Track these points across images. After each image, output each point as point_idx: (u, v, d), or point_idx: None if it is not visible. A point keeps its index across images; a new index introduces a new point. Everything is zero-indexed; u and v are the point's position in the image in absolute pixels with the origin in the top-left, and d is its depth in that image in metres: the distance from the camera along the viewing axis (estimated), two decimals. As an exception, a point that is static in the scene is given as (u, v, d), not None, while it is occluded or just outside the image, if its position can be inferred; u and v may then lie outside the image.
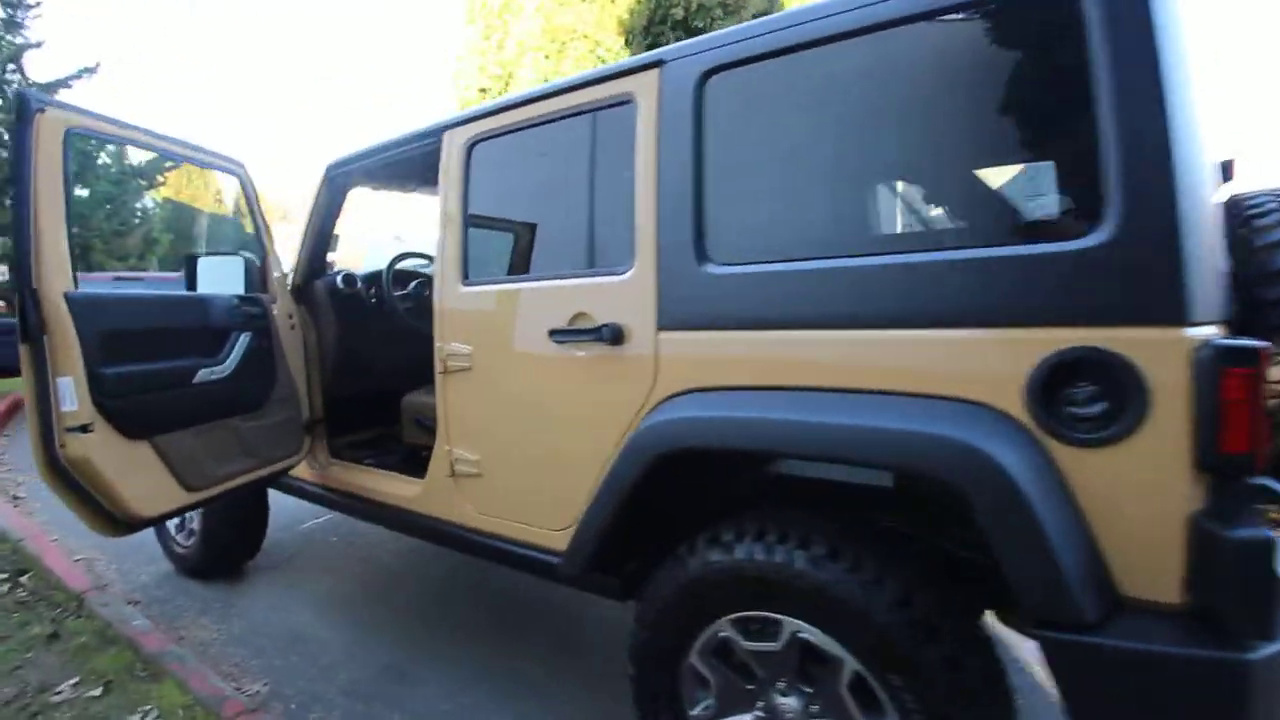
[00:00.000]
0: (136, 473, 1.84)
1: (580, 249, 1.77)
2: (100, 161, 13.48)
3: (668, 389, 1.49)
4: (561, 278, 1.72)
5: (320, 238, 2.62)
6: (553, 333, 1.69)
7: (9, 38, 11.21)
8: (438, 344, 1.98)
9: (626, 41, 9.55)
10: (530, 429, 1.78)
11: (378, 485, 2.34)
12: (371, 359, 2.87)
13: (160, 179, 15.04)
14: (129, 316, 1.84)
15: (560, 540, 1.75)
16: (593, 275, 1.66)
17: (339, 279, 2.75)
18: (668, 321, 1.51)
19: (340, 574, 3.05)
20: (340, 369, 2.71)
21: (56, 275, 1.66)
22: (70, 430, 1.67)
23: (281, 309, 2.44)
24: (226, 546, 2.87)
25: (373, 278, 2.87)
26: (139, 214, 14.88)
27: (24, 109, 1.64)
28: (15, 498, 4.04)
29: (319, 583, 2.96)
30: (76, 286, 1.71)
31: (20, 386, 1.75)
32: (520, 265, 2.04)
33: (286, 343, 2.43)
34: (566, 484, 1.71)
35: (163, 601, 2.75)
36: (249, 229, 2.39)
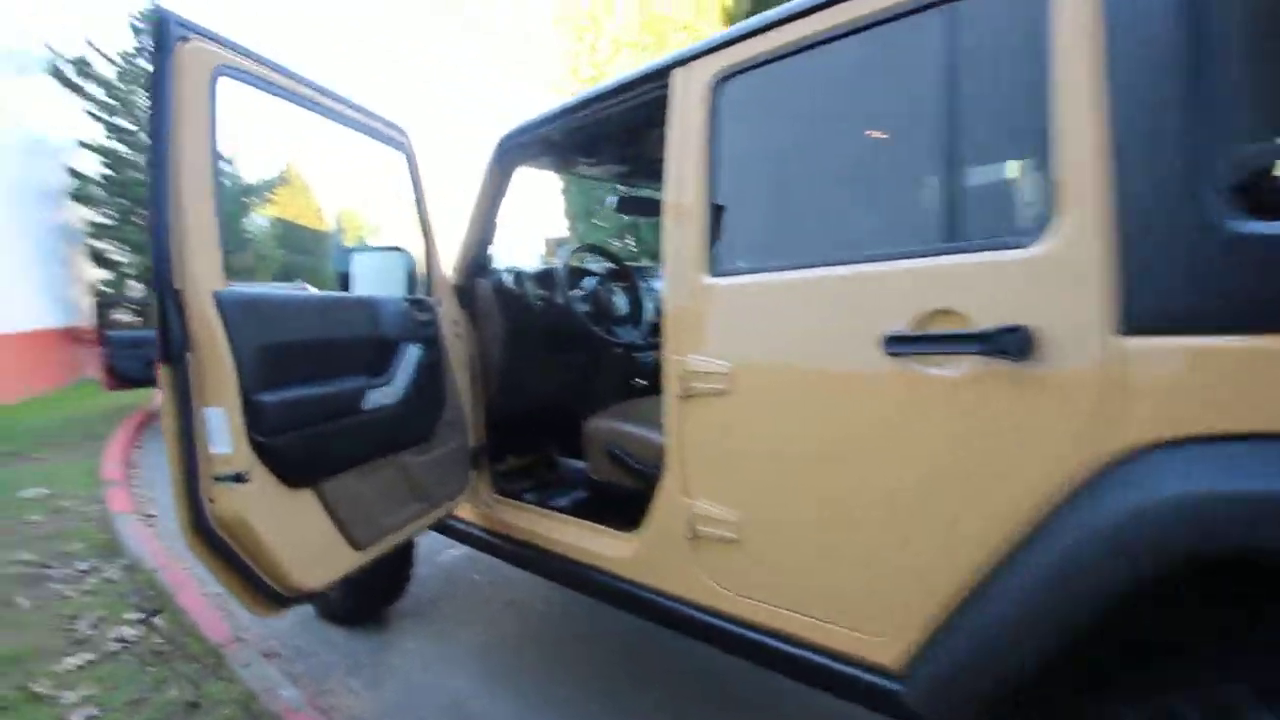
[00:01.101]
0: (300, 531, 1.41)
1: (929, 213, 1.19)
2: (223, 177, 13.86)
3: (1154, 432, 0.89)
4: (899, 257, 1.14)
5: (486, 226, 2.18)
6: (890, 341, 1.12)
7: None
8: (672, 358, 1.45)
9: (730, 30, 9.01)
10: (836, 482, 1.22)
11: (566, 537, 1.85)
12: (536, 372, 2.41)
13: (269, 195, 15.61)
14: (293, 324, 1.42)
15: (881, 651, 1.17)
16: (963, 251, 1.08)
17: (509, 277, 2.30)
18: (1143, 319, 0.91)
19: (492, 626, 2.60)
20: (504, 385, 2.25)
21: (205, 270, 1.25)
22: (221, 480, 1.26)
23: (447, 314, 2.00)
24: (372, 590, 2.47)
25: (542, 276, 2.40)
26: (250, 232, 15.45)
27: (162, 35, 1.23)
28: (148, 515, 3.87)
29: (471, 636, 2.52)
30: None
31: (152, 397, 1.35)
32: (810, 244, 1.40)
33: (453, 355, 1.99)
34: (903, 570, 1.13)
35: (305, 655, 2.37)
36: (411, 214, 1.97)
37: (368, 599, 2.50)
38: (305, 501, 1.43)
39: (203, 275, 1.24)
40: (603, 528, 1.78)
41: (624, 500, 1.87)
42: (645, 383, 2.74)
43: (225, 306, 1.25)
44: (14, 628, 2.48)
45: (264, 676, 2.08)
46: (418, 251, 2.04)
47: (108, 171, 9.95)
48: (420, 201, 1.96)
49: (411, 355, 1.75)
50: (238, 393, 1.26)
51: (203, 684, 2.09)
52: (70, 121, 9.52)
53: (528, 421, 2.54)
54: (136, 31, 10.28)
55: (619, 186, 2.79)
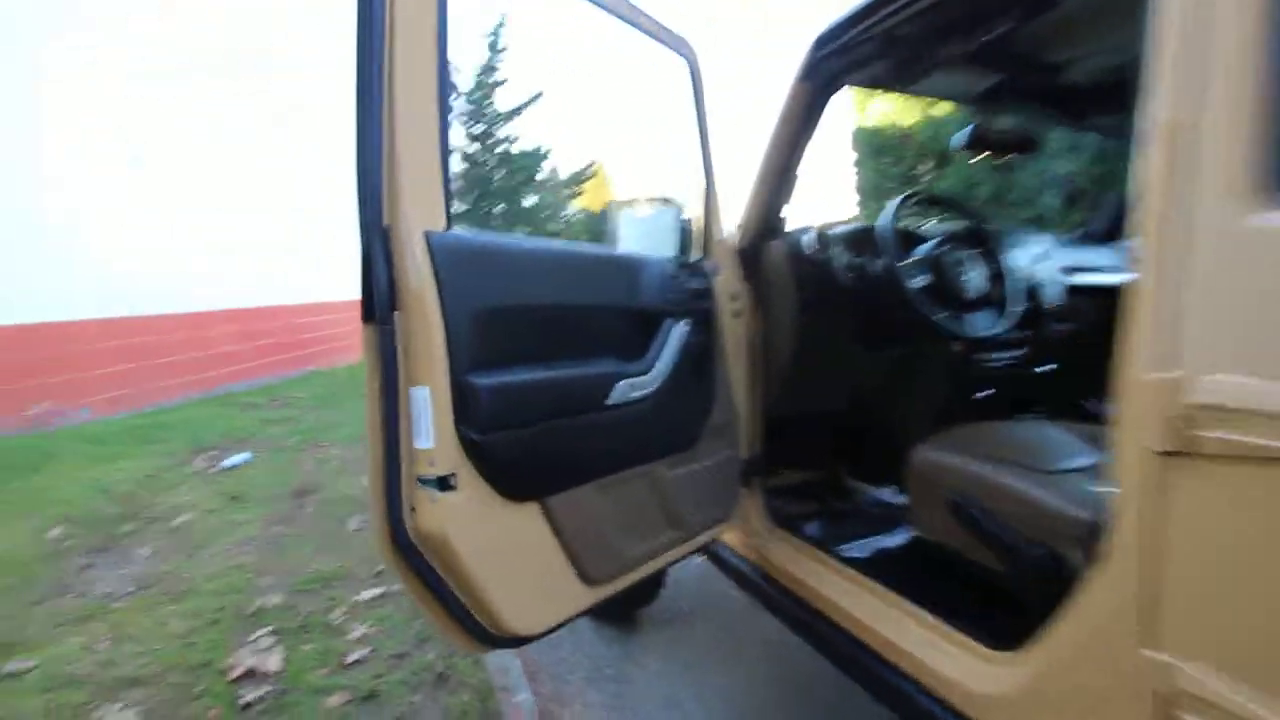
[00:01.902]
0: (517, 558, 1.10)
1: None
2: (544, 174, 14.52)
3: None
4: None
5: (784, 173, 1.65)
6: None
7: None
8: (1145, 376, 0.75)
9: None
10: None
11: (871, 617, 1.26)
12: (836, 367, 1.82)
13: (579, 188, 16.36)
14: (525, 284, 1.10)
15: None
16: None
17: (810, 239, 1.74)
18: None
19: (749, 666, 2.13)
20: (790, 381, 1.72)
21: (421, 207, 0.97)
22: (425, 484, 0.99)
23: (724, 286, 1.53)
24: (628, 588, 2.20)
25: (857, 238, 1.78)
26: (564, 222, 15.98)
27: None
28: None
29: (722, 672, 2.09)
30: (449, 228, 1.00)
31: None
32: None
33: (728, 339, 1.52)
34: None
35: (552, 645, 2.21)
36: (693, 137, 1.51)
37: (624, 596, 2.24)
38: (527, 520, 1.11)
39: (417, 213, 0.95)
40: (935, 621, 1.16)
41: (969, 578, 1.21)
42: (989, 396, 1.94)
43: (437, 251, 0.95)
44: (338, 550, 2.81)
45: (505, 669, 1.93)
46: (693, 209, 1.60)
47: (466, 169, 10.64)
48: (703, 132, 1.51)
49: (676, 335, 1.33)
50: (446, 370, 0.96)
51: (455, 656, 2.03)
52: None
53: (813, 429, 1.97)
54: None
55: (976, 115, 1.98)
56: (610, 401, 1.19)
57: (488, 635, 1.10)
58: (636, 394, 1.23)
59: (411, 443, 0.98)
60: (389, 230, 0.93)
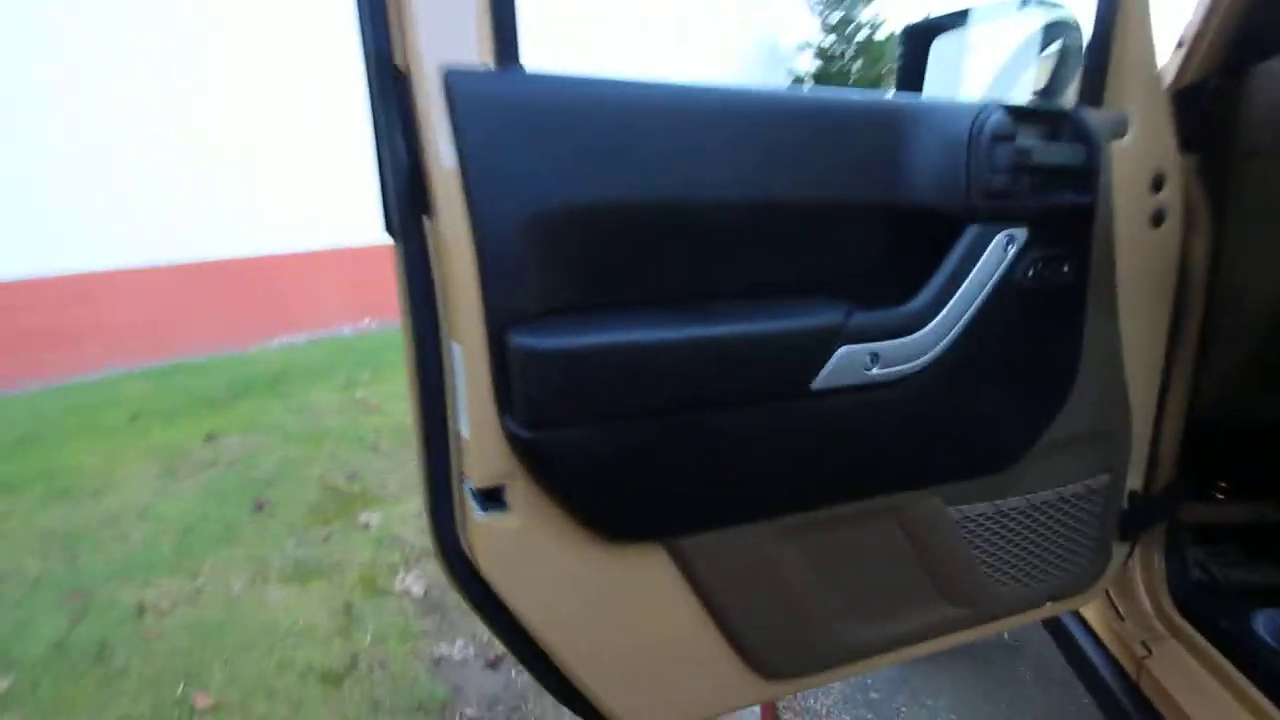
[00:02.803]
0: (626, 633, 0.66)
1: None
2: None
3: None
4: None
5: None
6: None
7: None
8: None
9: None
10: None
11: None
12: None
13: None
14: (639, 158, 0.57)
15: None
16: None
17: None
18: None
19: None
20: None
21: (448, 32, 0.52)
22: (476, 492, 0.60)
23: (1132, 161, 0.76)
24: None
25: None
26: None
27: None
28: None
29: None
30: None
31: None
32: None
33: (1132, 268, 0.76)
34: None
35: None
36: None
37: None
38: (644, 573, 0.65)
39: (438, 41, 0.51)
40: None
41: None
42: None
43: (463, 102, 0.50)
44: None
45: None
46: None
47: (820, 66, 9.21)
48: None
49: (991, 262, 0.65)
50: (480, 319, 0.53)
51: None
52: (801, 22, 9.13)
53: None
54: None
55: None
56: (821, 384, 0.62)
57: None
58: (883, 371, 0.63)
59: (457, 428, 0.60)
60: (406, 73, 0.52)
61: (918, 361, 0.64)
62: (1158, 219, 0.77)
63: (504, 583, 0.59)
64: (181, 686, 1.55)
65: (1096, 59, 0.76)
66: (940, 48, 0.97)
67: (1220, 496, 1.20)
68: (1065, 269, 0.70)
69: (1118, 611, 0.94)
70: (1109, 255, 0.73)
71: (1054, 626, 1.09)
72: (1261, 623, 0.98)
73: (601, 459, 0.57)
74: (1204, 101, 0.87)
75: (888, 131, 0.64)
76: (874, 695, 1.64)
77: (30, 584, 1.97)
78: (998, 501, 0.75)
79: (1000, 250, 0.65)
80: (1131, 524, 0.86)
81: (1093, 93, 0.77)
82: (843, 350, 0.61)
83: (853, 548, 0.71)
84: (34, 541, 2.22)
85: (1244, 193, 0.85)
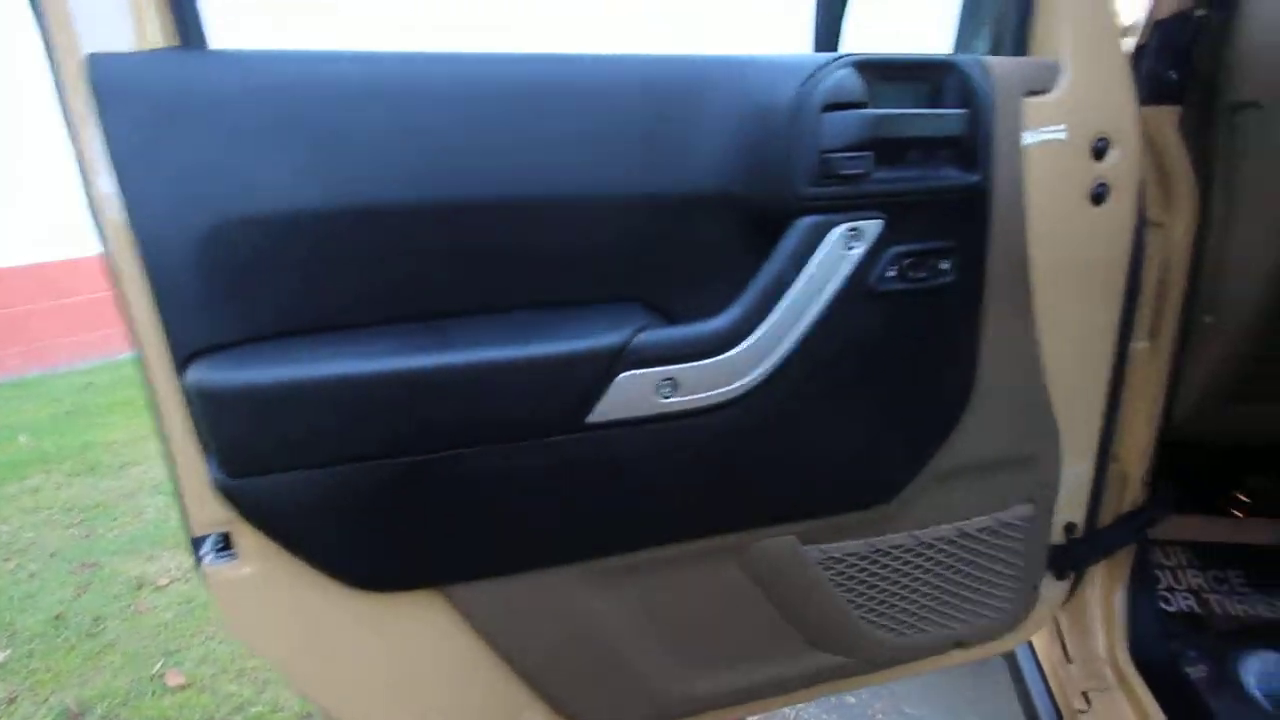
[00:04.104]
0: (404, 693, 0.58)
1: None
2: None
3: None
4: None
5: None
6: None
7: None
8: None
9: None
10: None
11: None
12: None
13: None
14: (353, 150, 0.46)
15: None
16: None
17: None
18: None
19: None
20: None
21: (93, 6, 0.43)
22: (196, 540, 0.53)
23: (1058, 123, 0.59)
24: None
25: None
26: None
27: None
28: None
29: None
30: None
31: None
32: None
33: (1057, 263, 0.61)
34: None
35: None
36: None
37: None
38: (424, 622, 0.56)
39: (87, 18, 0.43)
40: None
41: None
42: None
43: (106, 92, 0.41)
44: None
45: None
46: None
47: None
48: None
49: (825, 259, 0.52)
50: (163, 346, 0.45)
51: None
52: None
53: None
54: None
55: None
56: (599, 417, 0.50)
57: None
58: (684, 399, 0.51)
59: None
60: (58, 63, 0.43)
61: (733, 386, 0.52)
62: (1098, 195, 0.61)
63: (251, 635, 0.53)
64: (160, 664, 1.60)
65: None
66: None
67: (1238, 514, 1.03)
68: (946, 266, 0.55)
69: (1066, 653, 0.81)
70: (1017, 245, 0.58)
71: (1010, 659, 0.96)
72: (1252, 668, 0.84)
73: (328, 506, 0.49)
74: (1187, 37, 0.69)
75: (684, 102, 0.51)
76: (850, 700, 1.54)
77: (47, 556, 2.09)
78: (874, 539, 0.63)
79: (839, 248, 0.52)
80: (1067, 559, 0.72)
81: (1016, 37, 0.61)
82: (625, 377, 0.50)
83: (682, 594, 0.61)
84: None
85: (1234, 153, 0.67)
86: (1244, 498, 1.00)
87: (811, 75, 0.50)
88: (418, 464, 0.49)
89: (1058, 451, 0.66)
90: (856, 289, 0.52)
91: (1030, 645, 0.91)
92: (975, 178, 0.55)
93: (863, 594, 0.65)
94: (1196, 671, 0.79)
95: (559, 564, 0.56)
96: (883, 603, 0.66)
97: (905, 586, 0.66)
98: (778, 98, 0.50)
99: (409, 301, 0.49)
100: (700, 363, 0.51)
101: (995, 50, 0.63)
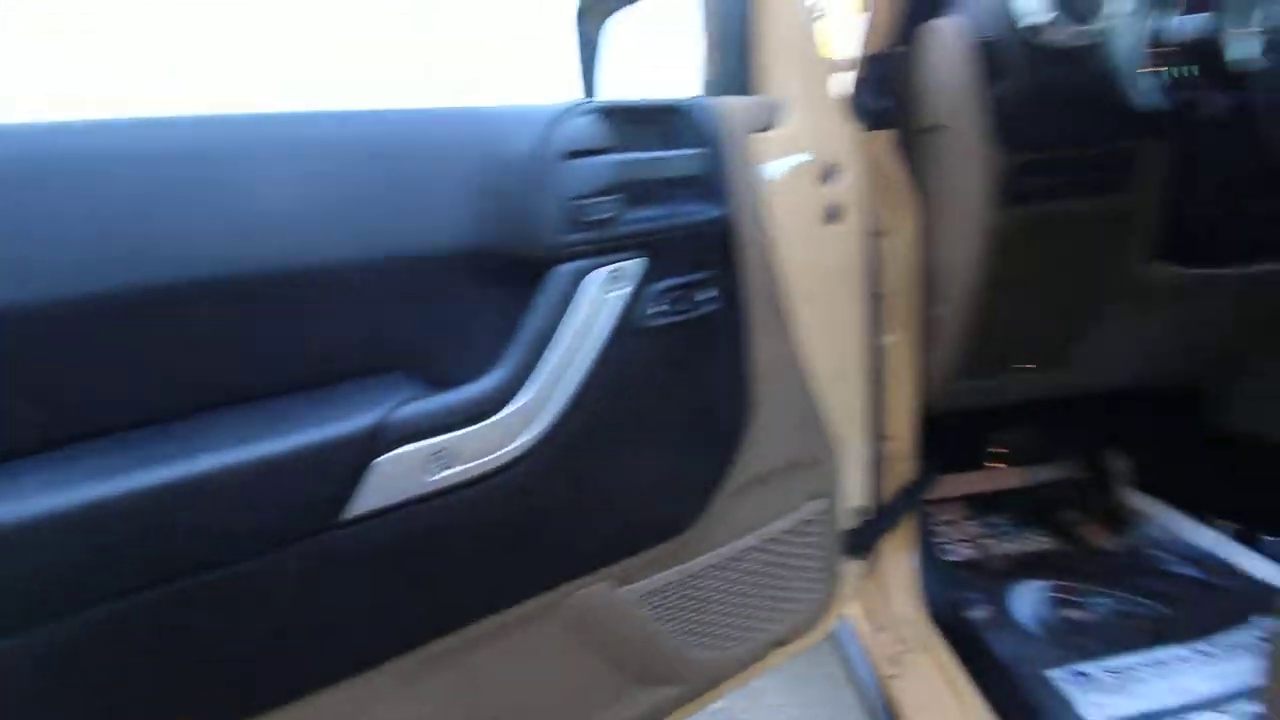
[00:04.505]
0: None
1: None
2: None
3: None
4: None
5: None
6: None
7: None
8: None
9: None
10: None
11: None
12: (1109, 316, 0.84)
13: None
14: None
15: None
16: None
17: (1037, 6, 0.71)
18: None
19: None
20: (994, 347, 0.82)
21: None
22: None
23: (788, 154, 0.66)
24: None
25: None
26: None
27: None
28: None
29: None
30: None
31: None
32: None
33: (806, 279, 0.67)
34: None
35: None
36: None
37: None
38: None
39: None
40: None
41: None
42: None
43: None
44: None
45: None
46: None
47: None
48: None
49: (594, 309, 0.52)
50: None
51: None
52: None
53: (1060, 414, 1.03)
54: None
55: None
56: (361, 510, 0.48)
57: None
58: (459, 470, 0.49)
59: None
60: None
61: (513, 446, 0.52)
62: (832, 214, 0.68)
63: None
64: None
65: (736, 37, 0.66)
66: (616, 30, 0.85)
67: (998, 465, 1.20)
68: (711, 295, 0.59)
69: (875, 623, 0.89)
70: (768, 268, 0.63)
71: (832, 639, 1.04)
72: (1020, 599, 0.97)
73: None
74: (891, 70, 0.79)
75: (419, 158, 0.50)
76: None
77: None
78: (684, 566, 0.66)
79: (603, 291, 0.53)
80: (861, 540, 0.80)
81: (741, 80, 0.67)
82: (387, 459, 0.48)
83: (503, 666, 0.59)
84: None
85: (933, 169, 0.79)
86: (998, 451, 1.17)
87: (551, 124, 0.51)
88: (133, 609, 0.41)
89: (836, 446, 0.72)
90: (626, 329, 0.54)
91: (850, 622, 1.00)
92: (721, 211, 0.59)
93: (682, 621, 0.67)
94: (978, 613, 0.91)
95: (351, 675, 0.51)
96: (702, 624, 0.68)
97: (721, 603, 0.69)
98: (519, 148, 0.51)
99: (107, 412, 0.42)
100: (472, 428, 0.49)
101: (727, 92, 0.68)
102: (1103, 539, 1.06)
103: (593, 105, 0.54)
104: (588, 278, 0.52)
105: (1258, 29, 0.57)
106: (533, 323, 0.51)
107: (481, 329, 0.52)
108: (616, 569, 0.61)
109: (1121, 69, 0.66)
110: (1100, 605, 0.94)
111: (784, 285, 0.65)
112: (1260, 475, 0.97)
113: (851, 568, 0.80)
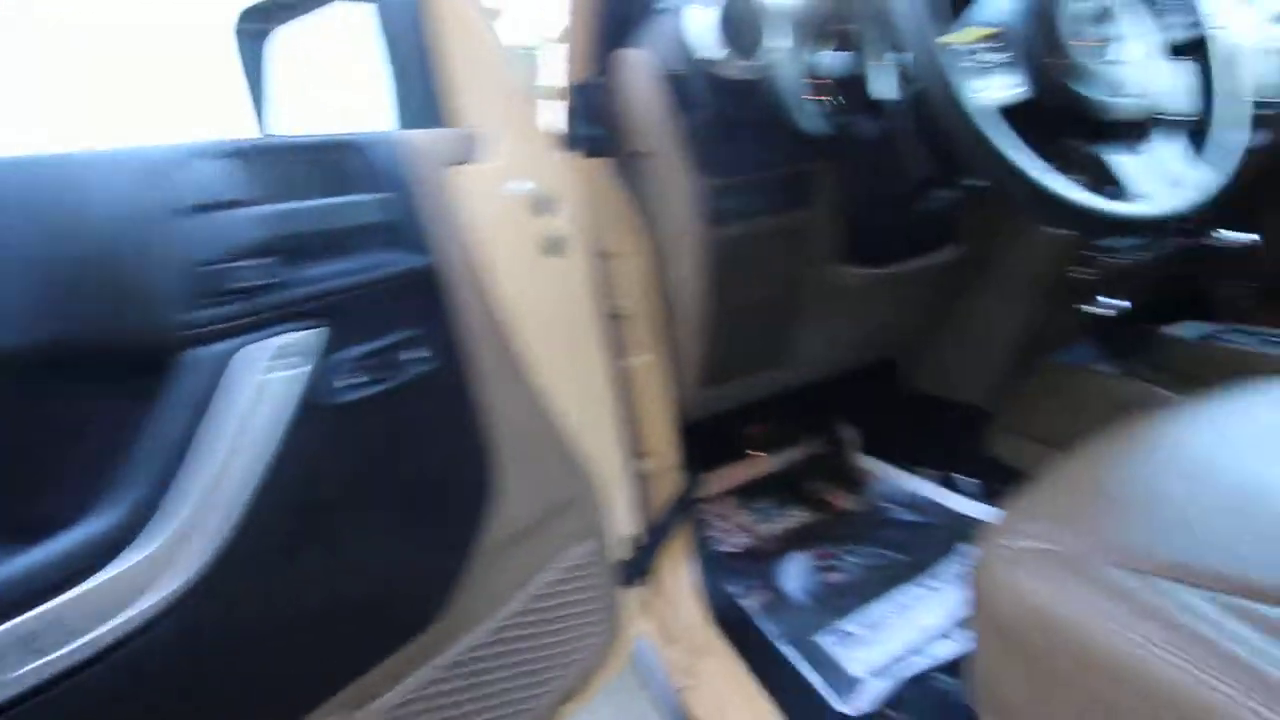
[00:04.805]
0: None
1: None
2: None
3: None
4: None
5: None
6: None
7: None
8: None
9: None
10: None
11: None
12: (801, 309, 0.94)
13: None
14: None
15: None
16: None
17: (700, 26, 0.74)
18: None
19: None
20: (724, 329, 0.87)
21: None
22: None
23: (494, 188, 0.62)
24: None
25: (816, 13, 0.78)
26: None
27: None
28: None
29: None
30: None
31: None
32: None
33: (536, 317, 0.63)
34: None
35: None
36: None
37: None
38: None
39: None
40: None
41: None
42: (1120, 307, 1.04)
43: None
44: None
45: None
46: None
47: None
48: None
49: (251, 397, 0.43)
50: None
51: None
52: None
53: (793, 404, 1.13)
54: None
55: None
56: None
57: None
58: (73, 648, 0.36)
59: None
60: None
61: (150, 598, 0.40)
62: (553, 246, 0.66)
63: None
64: None
65: (420, 65, 0.60)
66: (282, 46, 0.74)
67: (757, 454, 1.28)
68: (421, 354, 0.53)
69: (668, 639, 0.90)
70: (489, 312, 0.58)
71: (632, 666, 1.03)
72: (787, 574, 1.04)
73: None
74: (595, 99, 0.79)
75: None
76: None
77: None
78: (440, 658, 0.59)
79: (265, 372, 0.44)
80: (634, 568, 0.79)
81: (432, 111, 0.61)
82: None
83: None
84: None
85: (650, 193, 0.81)
86: (755, 441, 1.27)
87: (157, 172, 0.40)
88: None
89: (596, 479, 0.70)
90: (310, 411, 0.45)
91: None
92: (421, 260, 0.52)
93: (458, 710, 0.60)
94: (754, 600, 0.97)
95: None
96: (475, 711, 0.61)
97: (500, 677, 0.63)
98: (112, 205, 0.39)
99: None
100: (81, 588, 0.37)
101: (419, 125, 0.62)
102: (846, 502, 1.20)
103: (227, 146, 0.44)
104: (237, 358, 0.42)
105: (891, 65, 0.66)
106: (161, 428, 0.40)
107: (84, 449, 0.39)
108: (349, 693, 0.51)
109: (788, 100, 0.73)
110: (852, 564, 1.05)
111: (511, 327, 0.61)
112: (945, 427, 1.18)
113: (633, 595, 0.79)
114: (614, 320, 0.77)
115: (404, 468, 0.52)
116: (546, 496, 0.65)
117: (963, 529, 1.05)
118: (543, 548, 0.66)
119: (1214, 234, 0.84)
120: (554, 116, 0.81)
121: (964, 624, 0.87)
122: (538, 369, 0.63)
